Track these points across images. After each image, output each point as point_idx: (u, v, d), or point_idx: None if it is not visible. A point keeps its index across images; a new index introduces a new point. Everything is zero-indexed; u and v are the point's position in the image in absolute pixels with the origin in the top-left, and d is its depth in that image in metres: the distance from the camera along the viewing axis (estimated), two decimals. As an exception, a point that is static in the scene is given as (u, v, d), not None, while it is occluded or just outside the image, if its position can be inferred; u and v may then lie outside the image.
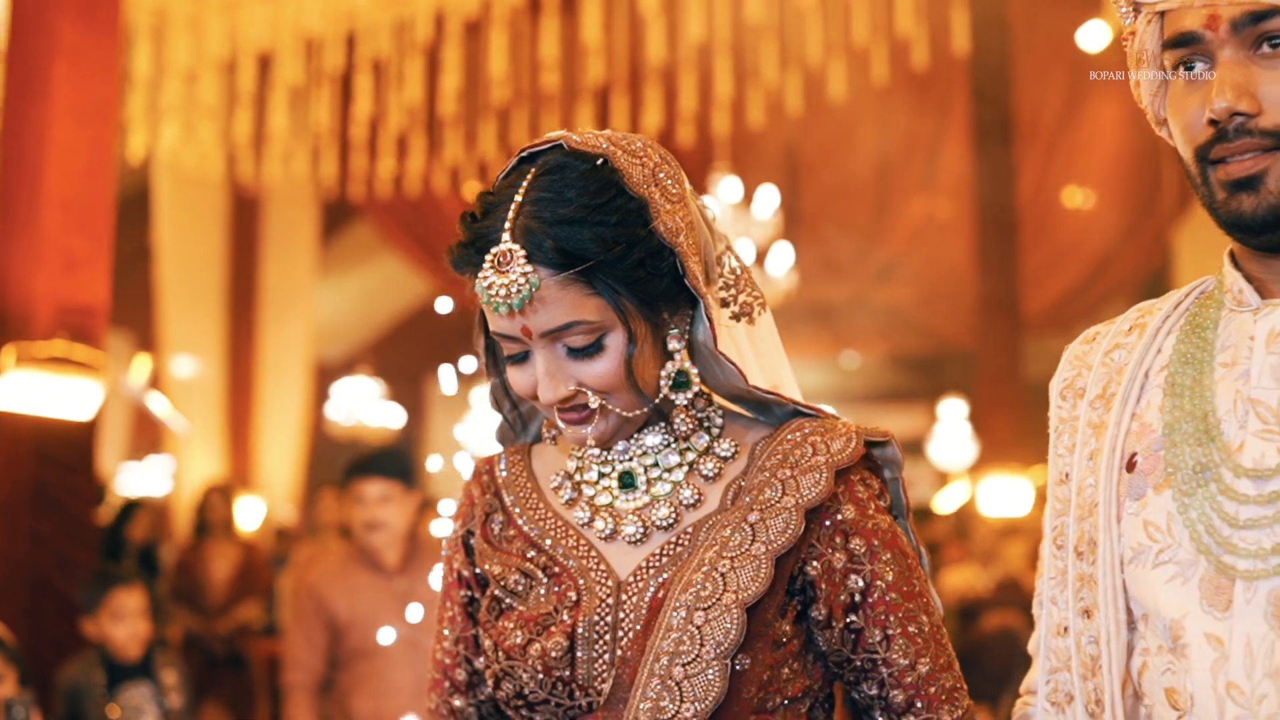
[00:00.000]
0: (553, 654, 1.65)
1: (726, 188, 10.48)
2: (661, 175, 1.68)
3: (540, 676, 1.65)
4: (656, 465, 1.73)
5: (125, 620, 4.80)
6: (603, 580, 1.68)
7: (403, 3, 10.88)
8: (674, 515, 1.69)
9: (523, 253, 1.58)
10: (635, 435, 1.73)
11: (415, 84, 11.25)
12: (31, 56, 6.07)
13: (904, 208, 14.76)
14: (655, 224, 1.63)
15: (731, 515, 1.66)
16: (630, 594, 1.66)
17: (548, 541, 1.74)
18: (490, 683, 1.71)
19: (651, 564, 1.67)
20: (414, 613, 4.16)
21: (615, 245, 1.60)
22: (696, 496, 1.70)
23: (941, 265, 14.32)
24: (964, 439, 14.97)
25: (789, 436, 1.72)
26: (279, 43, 10.97)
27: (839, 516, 1.67)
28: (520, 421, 1.90)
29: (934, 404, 16.02)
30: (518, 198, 1.62)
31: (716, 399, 1.79)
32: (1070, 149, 13.89)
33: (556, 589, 1.70)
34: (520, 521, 1.78)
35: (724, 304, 1.79)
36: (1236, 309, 1.54)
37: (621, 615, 1.66)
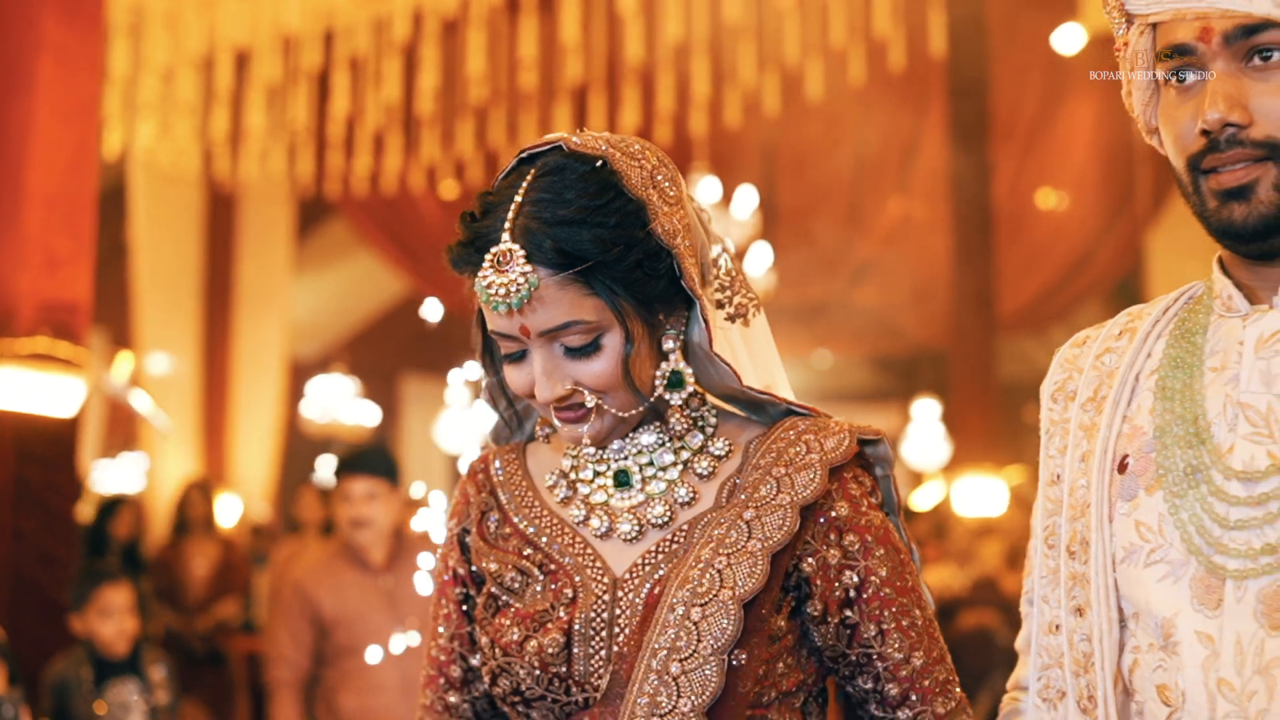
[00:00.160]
0: (549, 650, 1.66)
1: (705, 188, 10.48)
2: (659, 178, 1.70)
3: (537, 673, 1.67)
4: (652, 464, 1.75)
5: (113, 617, 4.80)
6: (599, 577, 1.70)
7: (381, 1, 10.86)
8: (669, 513, 1.71)
9: (522, 253, 1.60)
10: (630, 434, 1.75)
11: (393, 82, 11.23)
12: (15, 52, 6.04)
13: (880, 208, 14.77)
14: (653, 226, 1.65)
15: (727, 513, 1.67)
16: (626, 591, 1.68)
17: (544, 539, 1.76)
18: (487, 679, 1.73)
19: (647, 561, 1.69)
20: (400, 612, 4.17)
21: (614, 246, 1.62)
22: (691, 494, 1.72)
23: (918, 265, 14.32)
24: (937, 439, 14.99)
25: (783, 435, 1.74)
26: (257, 40, 10.93)
27: (833, 513, 1.70)
28: (516, 419, 1.91)
29: (907, 404, 16.02)
30: (517, 198, 1.64)
31: (710, 399, 1.81)
32: (1046, 151, 13.91)
33: (553, 586, 1.72)
34: (516, 520, 1.79)
35: (719, 305, 1.81)
36: (1225, 314, 1.57)
37: (618, 612, 1.67)
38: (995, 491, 12.01)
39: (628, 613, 1.66)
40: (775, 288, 11.41)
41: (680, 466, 1.75)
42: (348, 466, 4.81)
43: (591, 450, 1.77)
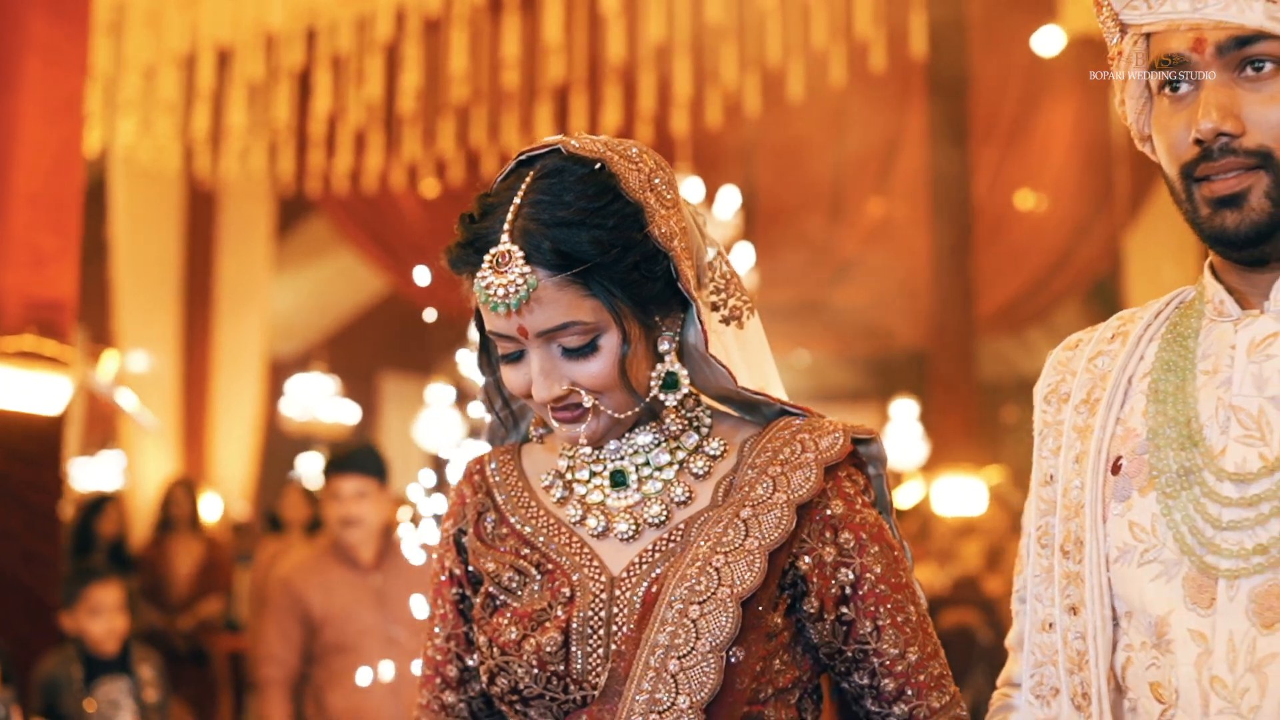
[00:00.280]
0: (547, 649, 1.67)
1: (687, 188, 10.46)
2: (656, 181, 1.71)
3: (535, 671, 1.68)
4: (647, 464, 1.76)
5: (102, 615, 4.80)
6: (596, 576, 1.71)
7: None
8: (665, 512, 1.72)
9: (521, 254, 1.61)
10: (626, 434, 1.76)
11: (375, 81, 11.18)
12: (3, 51, 6.02)
13: (861, 208, 14.78)
14: (650, 228, 1.67)
15: (724, 511, 1.69)
16: (624, 589, 1.69)
17: (540, 539, 1.77)
18: (485, 679, 1.73)
19: (644, 560, 1.70)
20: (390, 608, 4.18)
21: (612, 248, 1.63)
22: (687, 494, 1.73)
23: (898, 265, 14.33)
24: (915, 439, 15.01)
25: (778, 434, 1.75)
26: (239, 38, 10.89)
27: (828, 512, 1.71)
28: (511, 419, 1.93)
29: (885, 404, 16.04)
30: (516, 200, 1.65)
31: (704, 399, 1.83)
32: (1026, 151, 13.94)
33: (550, 585, 1.72)
34: (512, 520, 1.80)
35: (714, 308, 1.82)
36: (1217, 319, 1.59)
37: (615, 610, 1.68)
38: (975, 491, 12.03)
39: (625, 611, 1.68)
40: (757, 288, 11.41)
41: (676, 466, 1.76)
42: (337, 465, 4.83)
43: (587, 450, 1.78)
